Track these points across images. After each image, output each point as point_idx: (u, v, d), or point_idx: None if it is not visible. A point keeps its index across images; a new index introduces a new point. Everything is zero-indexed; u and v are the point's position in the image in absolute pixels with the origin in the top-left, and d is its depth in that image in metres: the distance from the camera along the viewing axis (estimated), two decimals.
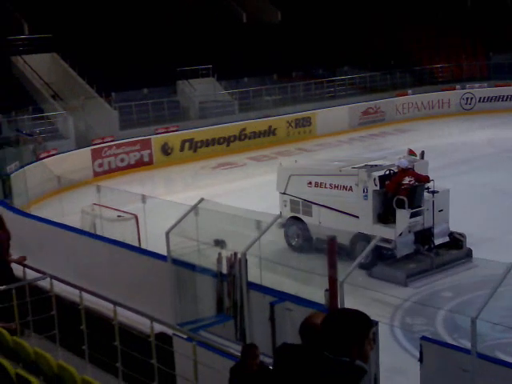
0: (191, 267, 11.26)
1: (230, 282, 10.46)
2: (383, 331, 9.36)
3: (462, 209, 15.87)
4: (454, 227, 14.64)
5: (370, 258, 13.31)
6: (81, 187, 20.32)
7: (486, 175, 21.87)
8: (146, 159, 26.52)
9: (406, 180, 13.99)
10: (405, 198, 13.81)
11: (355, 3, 40.41)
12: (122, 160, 25.76)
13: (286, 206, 15.85)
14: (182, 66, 31.41)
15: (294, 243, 15.62)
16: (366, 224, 14.30)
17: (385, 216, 14.29)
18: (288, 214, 15.72)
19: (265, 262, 11.38)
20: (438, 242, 14.39)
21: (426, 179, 14.39)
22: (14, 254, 11.19)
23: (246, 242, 10.57)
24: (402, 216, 13.93)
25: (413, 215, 14.05)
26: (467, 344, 8.61)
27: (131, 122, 28.76)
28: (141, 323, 9.90)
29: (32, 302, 10.03)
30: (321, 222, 15.00)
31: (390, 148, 26.72)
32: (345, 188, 14.68)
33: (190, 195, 17.76)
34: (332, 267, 9.42)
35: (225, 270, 10.62)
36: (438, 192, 14.41)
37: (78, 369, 7.47)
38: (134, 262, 12.50)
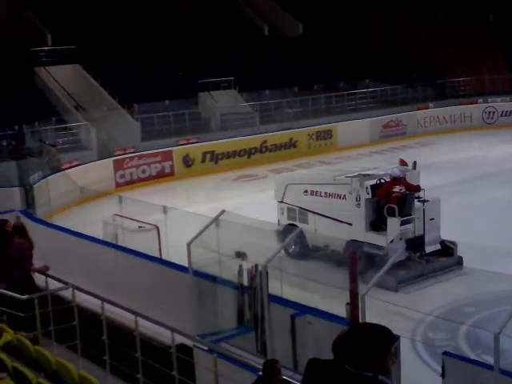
0: (212, 279, 11.26)
1: (251, 294, 10.45)
2: (405, 346, 9.31)
3: (484, 223, 15.81)
4: (478, 240, 14.70)
5: (362, 265, 13.24)
6: (103, 198, 20.44)
7: (507, 190, 21.71)
8: (168, 170, 26.62)
9: (397, 188, 14.44)
10: (395, 206, 14.23)
11: (376, 17, 40.39)
12: (144, 171, 25.89)
13: (283, 213, 16.33)
14: (203, 78, 31.57)
15: (291, 250, 15.82)
16: (359, 231, 14.74)
17: (377, 224, 14.71)
18: (285, 221, 16.21)
19: (285, 274, 11.36)
20: (429, 249, 14.78)
21: (417, 189, 14.83)
22: (37, 263, 11.24)
23: (266, 254, 10.58)
24: (393, 224, 14.34)
25: (403, 223, 14.47)
26: (490, 360, 8.53)
27: (153, 134, 28.90)
28: (162, 334, 9.90)
29: (54, 312, 10.07)
30: (316, 230, 15.45)
31: (410, 161, 26.62)
32: (339, 196, 15.14)
33: (210, 207, 17.77)
34: (353, 281, 9.42)
35: (246, 282, 10.61)
36: (428, 201, 14.80)
37: (99, 379, 7.48)
38: (155, 273, 12.54)
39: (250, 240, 16.83)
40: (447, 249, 14.87)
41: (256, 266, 10.46)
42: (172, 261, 12.61)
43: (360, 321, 8.93)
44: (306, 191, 15.86)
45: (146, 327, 9.95)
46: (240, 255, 12.20)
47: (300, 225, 15.63)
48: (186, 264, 11.43)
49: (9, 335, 8.18)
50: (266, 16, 39.99)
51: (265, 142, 29.44)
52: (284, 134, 30.22)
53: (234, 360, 8.82)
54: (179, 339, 9.30)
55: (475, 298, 13.34)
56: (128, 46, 32.42)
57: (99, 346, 9.68)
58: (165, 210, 14.95)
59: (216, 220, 11.52)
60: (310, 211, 15.74)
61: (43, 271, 10.99)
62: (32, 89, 29.27)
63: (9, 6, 34.03)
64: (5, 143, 24.55)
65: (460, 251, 14.88)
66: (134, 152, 25.95)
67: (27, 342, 8.53)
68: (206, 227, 11.51)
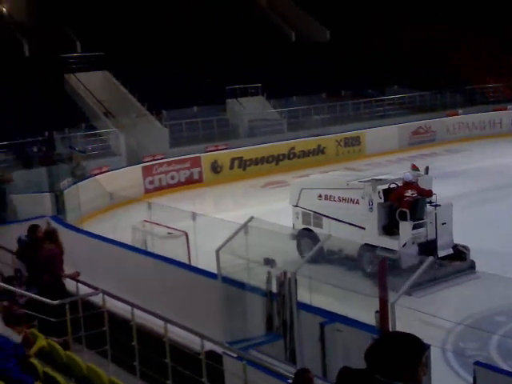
0: (241, 285, 11.25)
1: (280, 302, 10.43)
2: (435, 355, 9.22)
3: None
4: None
5: (375, 268, 13.71)
6: (132, 204, 20.53)
7: None
8: (196, 177, 26.72)
9: (409, 193, 14.64)
10: (407, 211, 14.44)
11: (402, 23, 40.23)
12: (173, 177, 26.00)
13: (298, 218, 16.57)
14: (231, 85, 31.67)
15: (306, 254, 15.79)
16: (372, 235, 14.94)
17: (389, 228, 14.90)
18: (300, 225, 16.46)
19: (314, 282, 11.32)
20: (441, 253, 14.86)
21: (429, 193, 14.98)
22: (67, 269, 11.34)
23: (295, 261, 10.56)
24: (405, 228, 14.54)
25: (415, 227, 14.65)
26: None
27: (181, 140, 29.03)
28: (191, 341, 9.92)
29: (84, 317, 10.13)
30: (330, 234, 15.23)
31: (439, 168, 26.39)
32: (352, 201, 15.35)
33: (238, 213, 17.80)
34: (382, 289, 9.36)
35: (274, 289, 10.60)
36: (440, 206, 14.92)
37: None
38: (184, 280, 12.56)
39: (279, 247, 16.88)
40: (460, 253, 14.95)
41: (285, 272, 10.44)
42: (201, 267, 12.63)
43: (390, 329, 8.87)
44: (320, 196, 16.09)
45: (176, 333, 9.97)
46: (269, 262, 12.20)
47: (314, 229, 15.98)
48: (214, 270, 11.44)
49: (41, 340, 8.25)
50: (293, 22, 40.06)
51: (293, 148, 29.42)
52: (312, 140, 30.16)
53: (263, 367, 8.79)
54: (208, 346, 9.32)
55: (509, 306, 13.16)
56: (157, 53, 32.64)
57: (129, 351, 9.73)
58: (194, 216, 14.99)
59: (244, 226, 11.53)
60: (324, 215, 15.92)
61: (74, 277, 11.08)
62: (62, 95, 29.57)
63: (39, 13, 34.46)
64: (35, 149, 24.80)
65: (488, 259, 14.78)
66: (162, 158, 26.08)
67: (58, 347, 8.60)
68: (235, 234, 11.53)
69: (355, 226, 15.24)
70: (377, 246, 14.68)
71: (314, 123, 31.90)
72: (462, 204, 20.17)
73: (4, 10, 33.97)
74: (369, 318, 9.25)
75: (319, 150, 30.09)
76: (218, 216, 17.61)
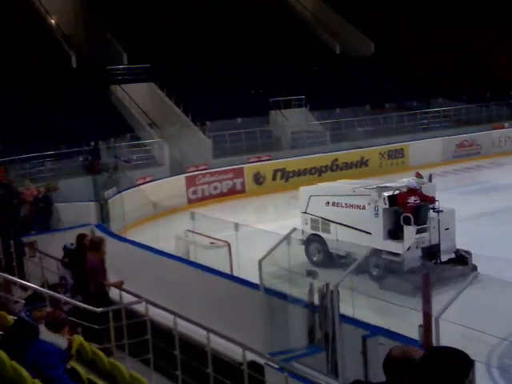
0: (283, 296, 11.23)
1: (322, 314, 10.39)
2: (480, 371, 9.08)
3: None
4: None
5: (381, 271, 14.73)
6: (175, 214, 20.66)
7: None
8: (239, 187, 26.81)
9: (412, 199, 15.28)
10: (411, 216, 15.01)
11: (449, 36, 39.89)
12: (215, 188, 26.13)
13: (306, 224, 17.21)
14: (275, 97, 31.76)
15: (315, 259, 16.64)
16: (378, 240, 15.48)
17: (394, 232, 15.47)
18: (308, 231, 17.11)
19: (356, 294, 11.26)
20: (444, 258, 15.49)
21: (432, 200, 15.59)
22: (111, 277, 11.45)
23: (337, 273, 10.51)
24: (409, 232, 15.11)
25: (419, 231, 15.22)
26: None
27: (224, 151, 29.19)
28: (232, 351, 9.93)
29: (127, 326, 10.21)
30: (338, 239, 16.18)
31: (485, 182, 26.12)
32: (358, 207, 15.97)
33: (281, 224, 17.79)
34: (426, 302, 9.27)
35: (316, 301, 10.56)
36: (442, 211, 15.54)
37: None
38: (226, 290, 12.59)
39: None
40: (462, 258, 15.44)
41: (327, 284, 10.40)
42: (243, 277, 12.64)
43: (434, 344, 8.78)
44: (327, 202, 16.70)
45: (218, 343, 9.99)
46: (311, 273, 12.20)
47: (322, 234, 16.68)
48: (257, 281, 11.45)
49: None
50: (338, 35, 40.02)
51: (336, 160, 29.35)
52: (355, 152, 30.07)
53: (305, 379, 8.76)
54: (250, 356, 9.30)
55: None
56: (202, 65, 32.92)
57: (171, 360, 9.78)
58: (236, 226, 15.03)
59: (287, 238, 11.53)
60: (332, 221, 16.49)
61: (118, 285, 11.19)
62: (108, 106, 29.98)
63: (87, 26, 35.05)
64: (81, 159, 25.17)
65: None
66: (206, 169, 26.25)
67: (102, 354, 8.68)
68: (278, 245, 11.53)
69: (361, 231, 15.83)
70: (382, 250, 15.35)
71: (357, 135, 31.81)
72: (504, 219, 19.89)
73: (53, 22, 34.60)
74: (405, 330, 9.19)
75: (362, 162, 29.96)
76: (260, 226, 17.67)
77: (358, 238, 15.65)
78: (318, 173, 28.77)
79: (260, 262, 11.26)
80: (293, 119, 31.68)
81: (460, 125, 34.59)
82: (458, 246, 15.84)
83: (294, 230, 15.18)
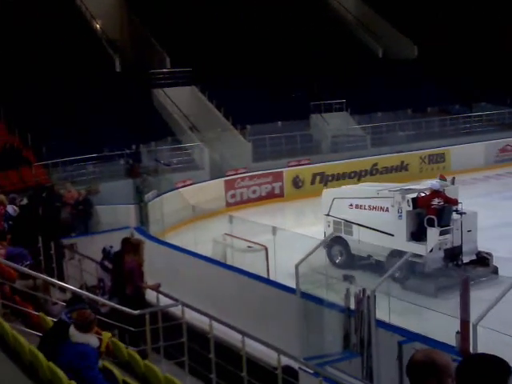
0: (319, 301, 11.22)
1: (358, 319, 10.35)
2: None
3: None
4: None
5: (403, 273, 14.65)
6: (213, 217, 20.76)
7: None
8: (277, 191, 26.81)
9: (436, 201, 15.46)
10: (434, 217, 15.22)
11: (492, 39, 39.36)
12: (254, 192, 26.18)
13: (329, 226, 17.41)
14: (316, 100, 31.70)
15: (337, 261, 16.82)
16: (401, 241, 15.66)
17: (417, 234, 15.67)
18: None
19: (392, 299, 11.18)
20: (466, 259, 15.69)
21: (455, 202, 15.84)
22: (149, 280, 11.54)
23: (375, 279, 10.45)
24: (432, 234, 15.33)
25: (442, 233, 15.41)
26: None
27: (264, 155, 29.22)
28: (267, 355, 9.94)
29: (163, 328, 10.29)
30: (360, 241, 16.37)
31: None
32: (382, 209, 16.22)
33: (319, 229, 17.78)
34: (464, 309, 9.17)
35: (353, 306, 10.52)
36: (465, 213, 15.73)
37: None
38: (263, 294, 12.61)
39: (358, 263, 16.76)
40: (483, 259, 15.63)
41: (364, 290, 10.36)
42: (279, 281, 12.65)
43: (471, 351, 8.67)
44: (351, 205, 16.95)
45: (252, 347, 10.00)
46: (348, 278, 12.14)
47: (345, 236, 16.85)
48: (293, 285, 11.44)
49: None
50: (381, 38, 39.78)
51: (375, 164, 29.16)
52: (395, 156, 29.82)
53: None
54: (285, 361, 9.30)
55: None
56: (243, 69, 33.02)
57: (206, 363, 9.82)
58: (274, 230, 15.05)
59: (325, 242, 11.53)
60: (355, 223, 16.70)
61: (155, 288, 11.27)
62: (150, 109, 30.26)
63: (131, 30, 35.46)
64: (122, 162, 25.44)
65: None
66: (245, 172, 26.32)
67: (138, 356, 8.75)
68: (315, 249, 11.52)
69: (384, 233, 16.05)
70: (405, 252, 15.20)
71: (398, 139, 31.56)
72: None
73: (98, 26, 35.08)
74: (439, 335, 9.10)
75: (402, 167, 29.71)
76: (298, 231, 17.64)
77: (381, 239, 15.94)
78: (358, 177, 28.59)
79: (297, 266, 11.26)
80: (333, 123, 31.58)
81: (503, 129, 34.08)
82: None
83: (332, 234, 15.21)
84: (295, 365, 9.52)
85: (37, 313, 9.32)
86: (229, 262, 14.97)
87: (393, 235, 15.90)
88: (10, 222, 15.16)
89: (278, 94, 32.55)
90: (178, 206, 21.60)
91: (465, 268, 15.25)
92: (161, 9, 35.04)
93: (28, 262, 10.98)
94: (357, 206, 16.82)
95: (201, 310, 10.54)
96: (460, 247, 15.66)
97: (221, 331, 10.51)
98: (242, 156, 28.20)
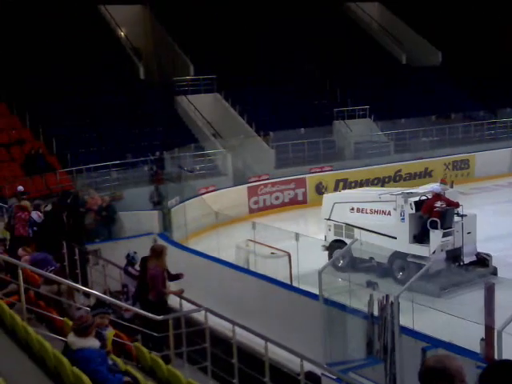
0: (342, 307, 11.19)
1: (381, 325, 10.31)
2: None
3: None
4: None
5: (405, 274, 15.16)
6: (236, 223, 20.78)
7: None
8: (300, 198, 26.78)
9: (438, 204, 15.94)
10: (438, 220, 15.60)
11: None
12: (277, 198, 26.18)
13: (330, 230, 17.73)
14: (339, 107, 31.66)
15: (339, 264, 16.59)
16: (403, 244, 16.10)
17: (420, 236, 16.05)
18: (332, 237, 17.64)
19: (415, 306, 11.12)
20: (466, 260, 16.16)
21: (456, 204, 16.24)
22: (172, 285, 11.56)
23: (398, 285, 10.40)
24: (436, 235, 15.70)
25: (444, 235, 15.80)
26: None
27: (287, 161, 29.20)
28: (290, 360, 9.92)
29: (186, 333, 10.31)
30: (362, 244, 16.30)
31: None
32: (384, 212, 16.59)
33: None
34: (489, 315, 9.11)
35: (376, 312, 10.48)
36: (466, 215, 16.19)
37: None
38: (286, 300, 12.61)
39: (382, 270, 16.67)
40: (483, 260, 16.11)
41: (387, 296, 10.32)
42: (302, 288, 12.63)
43: (496, 357, 8.61)
44: (352, 209, 17.31)
45: (275, 352, 10.00)
46: (371, 285, 12.11)
47: (346, 240, 16.89)
48: (316, 291, 11.43)
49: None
50: (404, 44, 39.64)
51: (399, 171, 29.05)
52: (419, 163, 29.69)
53: None
54: (307, 367, 9.29)
55: None
56: (266, 75, 33.07)
57: (229, 368, 9.82)
58: (297, 236, 15.05)
59: (348, 249, 11.51)
60: (357, 227, 16.95)
61: (178, 293, 11.29)
62: (174, 117, 30.39)
63: (155, 38, 35.68)
64: (146, 168, 25.56)
65: None
66: (268, 179, 26.32)
67: (161, 361, 8.78)
68: (337, 256, 11.53)
69: (386, 236, 16.36)
70: (407, 254, 15.91)
71: (421, 146, 31.40)
72: None
73: (122, 34, 35.32)
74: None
75: (426, 173, 29.55)
76: (320, 237, 17.64)
77: (383, 242, 16.23)
78: (381, 183, 28.48)
79: (320, 272, 11.26)
80: (357, 129, 31.49)
81: None
82: None
83: (355, 240, 15.17)
84: (318, 371, 9.52)
85: (61, 318, 9.38)
86: (252, 268, 14.99)
87: (395, 238, 16.22)
88: (35, 228, 15.28)
89: (301, 101, 32.54)
90: (200, 213, 21.65)
91: (466, 268, 15.83)
92: (185, 17, 35.20)
93: (52, 268, 11.05)
94: (358, 210, 17.18)
95: (224, 315, 10.55)
96: (461, 249, 16.08)
97: (243, 337, 10.52)
98: (264, 162, 28.21)
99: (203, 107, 30.83)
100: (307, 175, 27.36)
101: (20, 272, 9.32)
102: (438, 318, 11.55)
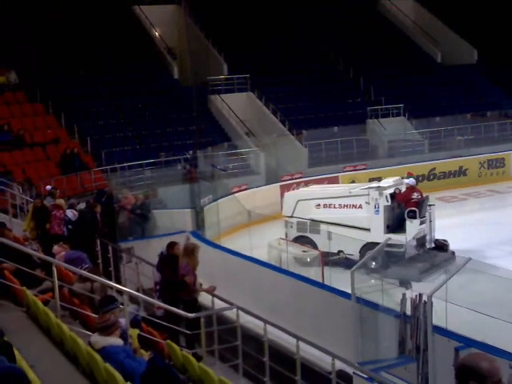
0: (374, 306, 11.14)
1: (414, 324, 10.24)
2: None
3: None
4: None
5: (380, 263, 15.06)
6: (269, 222, 20.78)
7: None
8: None
9: (415, 195, 17.29)
10: (416, 209, 16.93)
11: None
12: None
13: (291, 227, 18.32)
14: (372, 105, 31.49)
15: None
16: (378, 234, 16.82)
17: (394, 226, 17.19)
18: (294, 234, 18.18)
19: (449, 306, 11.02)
20: (429, 246, 17.59)
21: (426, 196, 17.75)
22: (204, 283, 11.62)
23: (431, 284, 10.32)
24: (414, 224, 17.06)
25: (421, 223, 17.20)
26: None
27: (320, 160, 29.14)
28: (321, 359, 9.92)
29: (218, 331, 10.35)
30: (329, 238, 16.98)
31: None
32: (354, 206, 17.52)
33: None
34: None
35: (409, 311, 10.41)
36: (434, 205, 17.85)
37: None
38: (317, 298, 12.59)
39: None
40: (442, 245, 17.42)
41: (420, 295, 10.24)
42: (334, 286, 12.60)
43: None
44: (318, 205, 18.02)
45: (307, 351, 10.00)
46: (404, 283, 12.04)
47: (311, 235, 17.72)
48: (348, 290, 11.39)
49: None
50: (440, 43, 39.26)
51: (433, 169, 28.79)
52: (454, 161, 29.40)
53: None
54: (339, 365, 9.26)
55: None
56: (299, 75, 33.05)
57: (260, 367, 9.84)
58: (329, 235, 15.04)
59: (381, 248, 11.46)
60: (325, 222, 17.56)
61: (210, 291, 11.34)
62: (207, 116, 30.49)
63: (189, 37, 35.79)
64: (179, 167, 25.69)
65: None
66: (301, 177, 26.27)
67: (192, 359, 8.83)
68: (371, 255, 11.48)
69: (358, 229, 17.20)
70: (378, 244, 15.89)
71: (456, 144, 31.11)
72: None
73: (156, 34, 35.55)
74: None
75: (461, 172, 29.25)
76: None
77: (354, 235, 16.98)
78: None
79: (352, 272, 11.21)
80: (390, 128, 31.29)
81: None
82: None
83: (389, 239, 15.08)
84: (349, 369, 9.48)
85: (94, 315, 9.47)
86: (284, 267, 14.98)
87: (369, 230, 17.10)
88: (70, 227, 15.43)
89: (335, 100, 32.45)
90: (233, 211, 21.68)
91: (433, 253, 17.07)
92: (219, 16, 35.32)
93: (86, 266, 11.15)
94: (325, 206, 17.87)
95: (255, 313, 10.57)
96: (426, 236, 17.51)
97: (275, 335, 10.54)
98: (297, 161, 28.17)
99: (237, 106, 30.90)
100: (340, 174, 27.26)
101: (54, 269, 9.43)
102: (469, 317, 11.43)
